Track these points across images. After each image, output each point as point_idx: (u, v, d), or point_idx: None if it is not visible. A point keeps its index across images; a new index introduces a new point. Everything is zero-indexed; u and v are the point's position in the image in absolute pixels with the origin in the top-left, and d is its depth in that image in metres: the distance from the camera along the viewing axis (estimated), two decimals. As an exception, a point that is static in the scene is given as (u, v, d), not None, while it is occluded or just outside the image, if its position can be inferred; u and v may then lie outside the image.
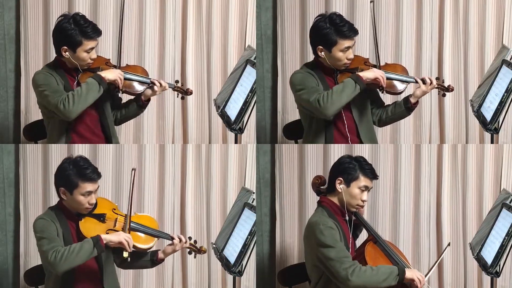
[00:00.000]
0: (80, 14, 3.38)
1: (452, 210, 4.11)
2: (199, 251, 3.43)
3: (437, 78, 3.49)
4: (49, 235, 3.17)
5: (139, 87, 3.48)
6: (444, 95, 3.55)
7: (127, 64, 3.54)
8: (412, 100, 3.48)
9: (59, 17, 3.37)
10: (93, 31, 3.32)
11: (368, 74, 3.38)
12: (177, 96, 3.61)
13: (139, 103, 3.52)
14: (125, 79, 3.44)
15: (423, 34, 4.09)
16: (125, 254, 3.20)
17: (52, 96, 3.32)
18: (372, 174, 3.27)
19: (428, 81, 3.44)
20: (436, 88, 3.48)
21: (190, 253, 3.45)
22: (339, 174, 3.27)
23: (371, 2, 3.54)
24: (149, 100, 3.54)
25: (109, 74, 3.37)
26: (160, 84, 3.48)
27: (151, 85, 3.48)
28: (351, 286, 3.08)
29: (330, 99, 3.33)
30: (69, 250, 3.10)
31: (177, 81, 3.57)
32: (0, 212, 3.98)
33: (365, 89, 3.37)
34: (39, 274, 3.39)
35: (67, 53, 3.34)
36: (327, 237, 3.15)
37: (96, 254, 3.15)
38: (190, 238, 3.43)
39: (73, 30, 3.30)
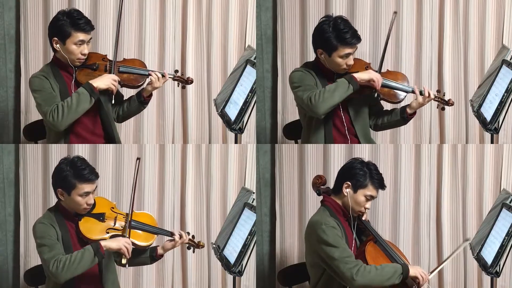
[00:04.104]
0: (75, 9, 3.38)
1: (452, 210, 4.11)
2: (198, 245, 3.45)
3: (438, 91, 3.47)
4: (49, 242, 3.15)
5: (139, 79, 3.44)
6: (443, 108, 3.48)
7: (124, 58, 3.53)
8: (409, 111, 3.44)
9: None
10: (84, 24, 3.30)
11: (363, 76, 3.35)
12: (178, 86, 3.57)
13: (140, 99, 3.48)
14: (123, 72, 3.42)
15: (423, 34, 4.09)
16: (124, 261, 3.19)
17: (43, 104, 3.30)
18: (380, 184, 3.25)
19: (426, 94, 3.40)
20: (435, 101, 3.44)
21: (189, 248, 3.46)
22: (348, 178, 3.24)
23: (394, 12, 3.46)
24: (151, 96, 3.49)
25: (101, 83, 3.32)
26: (158, 77, 3.42)
27: (149, 78, 3.42)
28: (355, 285, 3.08)
29: (322, 97, 3.31)
30: (70, 259, 3.08)
31: (176, 71, 3.54)
32: (0, 212, 3.98)
33: (358, 90, 3.34)
34: (39, 274, 3.39)
35: (57, 45, 3.32)
36: (329, 236, 3.15)
37: (96, 262, 3.14)
38: (188, 233, 3.44)
39: (64, 21, 3.29)
